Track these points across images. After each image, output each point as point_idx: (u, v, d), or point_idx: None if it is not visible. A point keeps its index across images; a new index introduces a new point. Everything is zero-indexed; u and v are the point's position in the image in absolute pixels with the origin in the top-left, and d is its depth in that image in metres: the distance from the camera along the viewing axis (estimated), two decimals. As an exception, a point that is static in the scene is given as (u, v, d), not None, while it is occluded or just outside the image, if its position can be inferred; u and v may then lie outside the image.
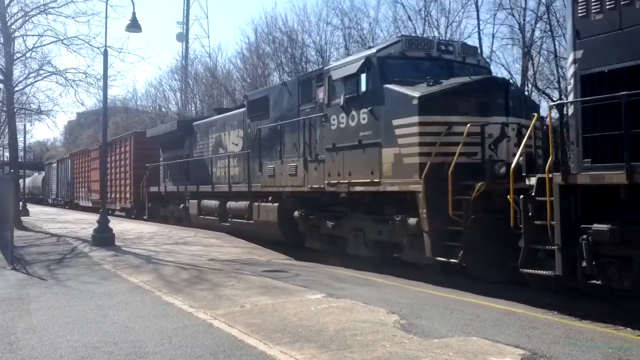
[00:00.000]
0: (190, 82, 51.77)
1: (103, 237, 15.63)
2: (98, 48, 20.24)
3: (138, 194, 26.90)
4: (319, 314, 7.24)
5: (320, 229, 12.96)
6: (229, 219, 17.57)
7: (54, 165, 48.88)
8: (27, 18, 21.32)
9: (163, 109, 54.81)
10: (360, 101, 11.26)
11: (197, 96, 49.75)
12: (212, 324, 6.80)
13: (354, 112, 11.41)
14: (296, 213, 13.63)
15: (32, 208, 39.59)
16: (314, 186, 12.72)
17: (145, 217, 26.12)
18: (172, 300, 8.26)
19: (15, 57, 22.00)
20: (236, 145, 17.39)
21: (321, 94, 12.65)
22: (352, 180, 11.39)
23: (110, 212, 33.43)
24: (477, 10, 27.64)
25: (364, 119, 11.16)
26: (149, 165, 25.07)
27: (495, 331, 6.35)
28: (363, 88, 11.30)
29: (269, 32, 39.59)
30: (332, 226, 12.40)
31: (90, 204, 35.65)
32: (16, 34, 21.82)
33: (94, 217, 19.63)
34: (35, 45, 22.12)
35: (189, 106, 48.86)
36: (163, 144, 24.12)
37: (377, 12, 46.89)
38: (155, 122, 48.02)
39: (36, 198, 58.08)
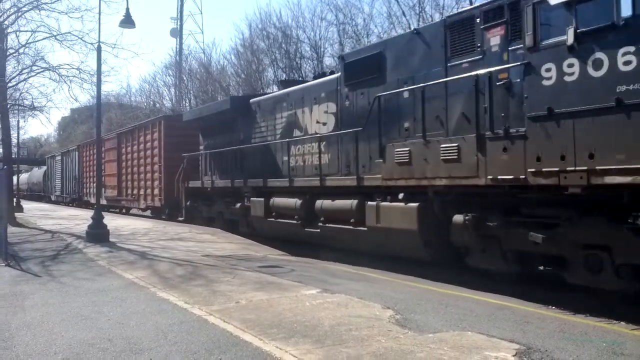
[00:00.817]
0: (185, 78, 51.69)
1: (97, 234, 15.59)
2: (91, 44, 20.20)
3: (171, 190, 21.67)
4: (314, 310, 7.25)
5: (505, 242, 8.75)
6: (320, 224, 12.83)
7: (58, 158, 44.57)
8: (20, 14, 21.24)
9: (157, 105, 54.72)
10: (618, 34, 7.06)
11: (191, 92, 49.68)
12: (208, 319, 6.80)
13: (600, 55, 7.16)
14: (459, 217, 9.26)
15: (28, 205, 39.42)
16: (501, 177, 8.36)
17: (181, 219, 21.60)
18: (167, 296, 8.25)
19: (8, 53, 21.93)
20: (323, 124, 13.19)
21: (495, 39, 8.93)
22: (597, 167, 7.12)
23: (123, 210, 31.88)
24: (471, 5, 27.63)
25: (627, 63, 6.91)
26: (186, 155, 20.35)
27: (490, 326, 6.38)
28: (626, 12, 7.08)
29: (263, 27, 39.59)
30: (543, 240, 8.01)
31: (103, 202, 29.57)
32: (9, 29, 21.77)
33: (88, 214, 19.54)
34: (29, 41, 22.07)
35: (183, 102, 48.77)
36: (205, 129, 19.59)
37: (372, 7, 47.12)
38: (149, 117, 47.86)
39: (36, 195, 54.97)
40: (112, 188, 29.91)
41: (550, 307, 7.46)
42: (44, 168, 52.62)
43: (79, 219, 22.95)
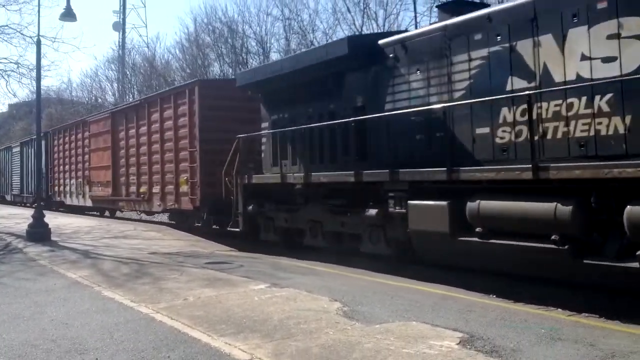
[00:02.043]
0: (128, 73, 50.70)
1: (38, 232, 15.16)
2: (31, 37, 19.51)
3: (212, 185, 14.90)
4: (262, 304, 7.28)
5: None
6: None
7: (16, 149, 36.59)
8: (-48, 5, 20.33)
9: (99, 100, 53.44)
10: None
11: (135, 86, 48.76)
12: (155, 317, 6.73)
13: None
14: None
15: None
16: None
17: (234, 229, 14.29)
18: (112, 295, 8.12)
19: (-60, 46, 20.98)
20: (604, 60, 7.08)
21: None
22: None
23: (114, 211, 25.50)
24: (415, 3, 28.13)
25: None
26: (243, 137, 13.31)
27: (434, 315, 6.55)
28: None
29: (208, 22, 39.25)
30: None
31: (88, 203, 24.35)
32: (-59, 21, 20.78)
33: (28, 212, 18.93)
34: (-37, 34, 21.10)
35: (127, 97, 47.73)
36: (273, 97, 13.10)
37: (317, 3, 47.24)
38: (91, 112, 46.61)
39: None
40: (103, 185, 22.16)
41: (492, 296, 7.70)
42: None
43: (18, 218, 22.23)
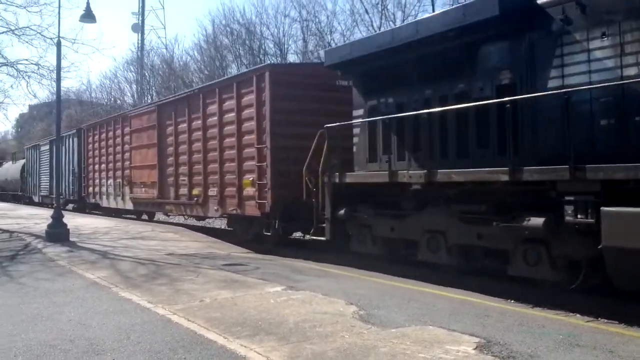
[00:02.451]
0: (147, 74, 51.08)
1: (57, 233, 15.30)
2: (51, 39, 19.71)
3: (285, 187, 12.89)
4: (278, 307, 7.28)
5: None
6: None
7: (45, 147, 33.85)
8: (-26, 8, 20.62)
9: (118, 101, 53.91)
10: None
11: (153, 88, 49.11)
12: (171, 319, 6.76)
13: None
14: None
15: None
16: None
17: (321, 237, 11.40)
18: (129, 296, 8.17)
19: (-37, 48, 21.29)
20: None
21: None
22: None
23: (152, 214, 24.02)
24: (433, 4, 28.01)
25: None
26: (333, 126, 11.17)
27: (451, 320, 6.50)
28: None
29: (226, 23, 39.44)
30: None
31: (128, 205, 21.89)
32: (-36, 24, 21.07)
33: (48, 213, 19.11)
34: (-16, 36, 21.42)
35: (145, 98, 48.12)
36: (373, 79, 10.90)
37: (335, 4, 47.29)
38: (110, 114, 47.08)
39: (10, 194, 45.72)
40: (146, 186, 19.85)
41: (509, 300, 7.63)
42: (22, 162, 42.49)
43: (38, 218, 22.47)
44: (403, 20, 28.90)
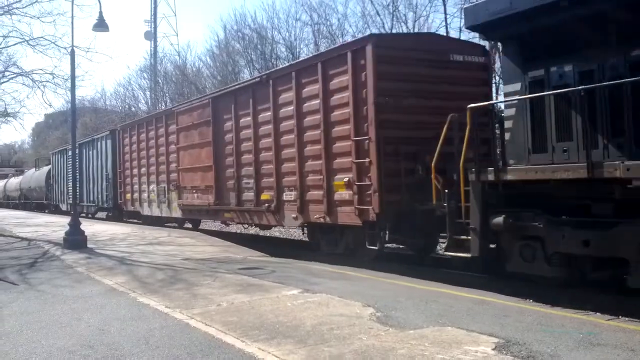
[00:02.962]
0: (160, 81, 51.43)
1: (75, 240, 15.42)
2: (65, 48, 19.87)
3: (395, 190, 10.63)
4: (295, 310, 7.28)
5: None
6: None
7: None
8: (-10, 19, 20.87)
9: (133, 109, 54.31)
10: None
11: (167, 95, 49.41)
12: (189, 323, 6.79)
13: None
14: None
15: (5, 212, 38.10)
16: None
17: (464, 254, 8.64)
18: (147, 301, 8.22)
19: (-21, 59, 21.58)
20: None
21: None
22: None
23: (196, 222, 21.20)
24: (445, 5, 27.90)
25: None
26: (475, 106, 8.67)
27: (469, 320, 6.46)
28: None
29: (238, 29, 39.58)
30: None
31: (175, 213, 19.29)
32: (-21, 35, 21.35)
33: (65, 220, 19.27)
34: (0, 47, 21.70)
35: (159, 105, 48.43)
36: (554, 35, 8.02)
37: (346, 7, 47.24)
38: (124, 121, 47.44)
39: (34, 203, 43.14)
40: (199, 191, 17.23)
41: (528, 300, 7.57)
42: (46, 168, 39.49)
43: (55, 226, 22.67)
44: (414, 22, 28.84)
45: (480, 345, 5.50)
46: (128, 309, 7.77)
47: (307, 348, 5.62)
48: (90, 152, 28.37)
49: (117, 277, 10.42)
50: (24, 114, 56.00)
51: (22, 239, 18.72)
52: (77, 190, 30.94)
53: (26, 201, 45.37)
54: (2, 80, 22.65)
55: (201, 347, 5.76)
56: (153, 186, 20.90)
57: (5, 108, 24.93)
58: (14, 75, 22.12)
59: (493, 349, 5.38)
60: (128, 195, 23.48)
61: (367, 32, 29.00)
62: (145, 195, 21.76)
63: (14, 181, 49.83)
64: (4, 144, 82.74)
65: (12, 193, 50.77)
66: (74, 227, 15.71)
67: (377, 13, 30.14)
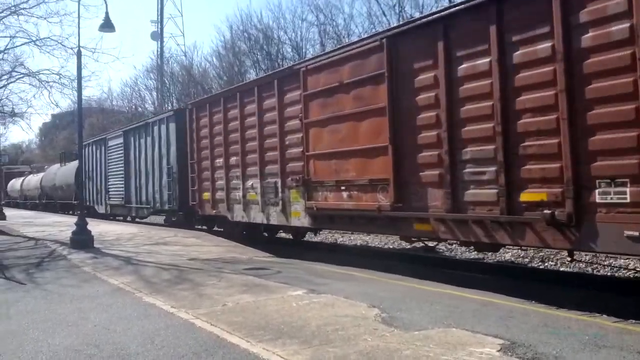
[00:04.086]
0: (166, 81, 51.56)
1: (82, 240, 15.49)
2: (71, 48, 20.05)
3: None
4: (300, 310, 7.29)
5: None
6: None
7: (115, 142, 25.75)
8: (-3, 19, 20.99)
9: (139, 109, 54.49)
10: None
11: (173, 95, 49.54)
12: (194, 323, 6.81)
13: None
14: None
15: (12, 212, 37.84)
16: None
17: None
18: (153, 301, 8.24)
19: (-14, 60, 21.71)
20: None
21: None
22: None
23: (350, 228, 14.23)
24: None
25: None
26: None
27: (475, 322, 6.45)
28: None
29: (244, 29, 39.67)
30: None
31: (297, 221, 13.03)
32: (-13, 36, 21.50)
33: (72, 220, 19.34)
34: (7, 47, 21.88)
35: (166, 105, 48.57)
36: None
37: (352, 8, 47.21)
38: (131, 122, 47.54)
39: (58, 204, 37.43)
40: (351, 188, 11.21)
41: (533, 301, 7.55)
42: (76, 163, 32.38)
43: (62, 226, 22.77)
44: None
45: (485, 347, 5.49)
46: (134, 308, 7.80)
47: (312, 349, 5.63)
48: (141, 141, 22.69)
49: (123, 277, 10.46)
50: (31, 114, 56.39)
51: (29, 238, 18.82)
52: (102, 187, 27.22)
53: (49, 201, 39.95)
54: (9, 81, 22.84)
55: (206, 347, 5.77)
56: (252, 182, 14.37)
57: (13, 108, 25.13)
58: (21, 75, 22.31)
59: (498, 351, 5.37)
60: (206, 195, 16.88)
61: (373, 32, 29.02)
62: (237, 194, 15.18)
63: (34, 179, 45.75)
64: (12, 144, 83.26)
65: (31, 192, 46.83)
66: (81, 227, 15.78)
67: (384, 13, 30.24)
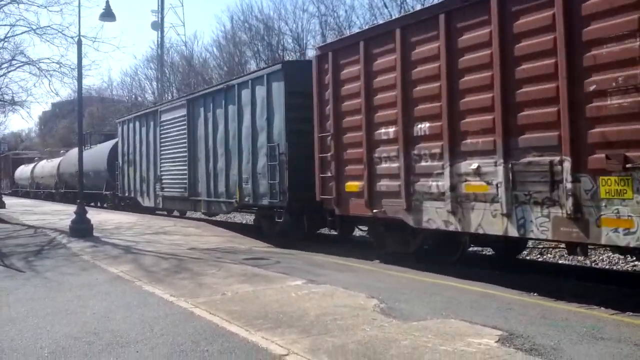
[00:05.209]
0: (167, 71, 51.45)
1: (81, 228, 15.49)
2: (72, 37, 19.89)
3: None
4: (299, 300, 7.30)
5: None
6: None
7: (172, 115, 19.98)
8: (-2, 8, 20.89)
9: (139, 99, 54.42)
10: None
11: (173, 85, 49.46)
12: (194, 312, 6.82)
13: None
14: None
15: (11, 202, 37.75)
16: None
17: None
18: (152, 289, 8.26)
19: (-14, 48, 21.64)
20: None
21: None
22: None
23: None
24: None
25: None
26: None
27: (473, 313, 6.47)
28: None
29: (245, 19, 39.60)
30: None
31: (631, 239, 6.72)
32: (-14, 24, 21.43)
33: (72, 209, 19.33)
34: (7, 35, 21.73)
35: (166, 95, 48.48)
36: None
37: (353, -1, 46.96)
38: (131, 111, 47.46)
39: (88, 194, 28.33)
40: None
41: (532, 293, 7.57)
42: (109, 145, 28.23)
43: (62, 214, 22.76)
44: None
45: (483, 338, 5.51)
46: (133, 297, 7.81)
47: (310, 338, 5.64)
48: (217, 111, 16.65)
49: (123, 266, 10.47)
50: (31, 103, 56.24)
51: (29, 226, 18.83)
52: (150, 174, 21.27)
53: (68, 190, 34.23)
54: (9, 69, 22.71)
55: (205, 336, 5.78)
56: (477, 163, 8.64)
57: (13, 96, 25.03)
58: (21, 64, 22.18)
59: (496, 342, 5.38)
60: (354, 185, 11.13)
61: (375, 24, 28.93)
62: (432, 184, 9.44)
63: (48, 165, 39.70)
64: (11, 133, 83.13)
65: (45, 180, 40.35)
66: (80, 215, 15.78)
67: (385, 5, 30.12)
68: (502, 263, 9.69)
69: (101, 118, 52.16)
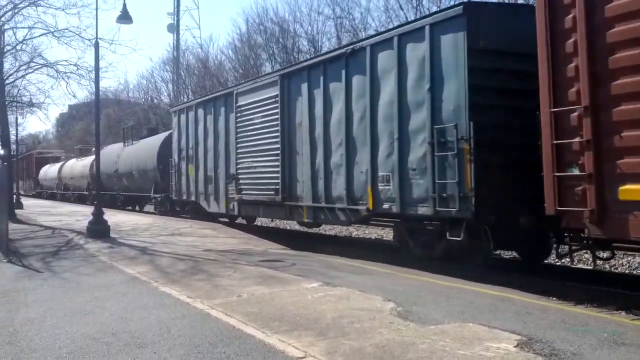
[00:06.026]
0: (182, 74, 51.75)
1: (98, 229, 15.61)
2: (89, 40, 20.15)
3: None
4: (315, 303, 7.28)
5: None
6: None
7: (257, 95, 15.27)
8: (16, 10, 21.15)
9: (155, 101, 54.78)
10: None
11: (189, 87, 49.72)
12: (210, 313, 6.83)
13: None
14: None
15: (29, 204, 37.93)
16: None
17: None
18: (169, 290, 8.28)
19: (5, 50, 21.90)
20: None
21: None
22: None
23: None
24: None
25: None
26: None
27: (491, 317, 6.41)
28: None
29: (260, 22, 39.74)
30: None
31: None
32: (6, 26, 21.71)
33: (89, 210, 19.48)
34: (26, 38, 22.04)
35: (181, 97, 48.72)
36: None
37: (369, 1, 47.13)
38: (147, 113, 47.78)
39: (122, 196, 28.39)
40: None
41: (551, 298, 7.49)
42: (159, 138, 24.80)
43: (79, 215, 22.96)
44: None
45: (502, 342, 5.45)
46: (150, 298, 7.84)
47: (327, 340, 5.62)
48: (330, 86, 12.51)
49: (139, 267, 10.52)
50: (49, 105, 56.66)
51: (47, 227, 19.01)
52: (219, 173, 17.12)
53: (104, 193, 27.50)
54: (27, 71, 22.98)
55: (222, 337, 5.78)
56: None
57: (30, 98, 25.35)
58: (39, 66, 22.46)
59: (515, 346, 5.33)
60: None
61: (390, 27, 28.85)
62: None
63: (79, 164, 36.24)
64: (29, 134, 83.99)
65: (75, 181, 37.06)
66: (97, 216, 15.90)
67: (401, 7, 30.07)
68: (524, 267, 9.58)
69: (117, 120, 52.45)
